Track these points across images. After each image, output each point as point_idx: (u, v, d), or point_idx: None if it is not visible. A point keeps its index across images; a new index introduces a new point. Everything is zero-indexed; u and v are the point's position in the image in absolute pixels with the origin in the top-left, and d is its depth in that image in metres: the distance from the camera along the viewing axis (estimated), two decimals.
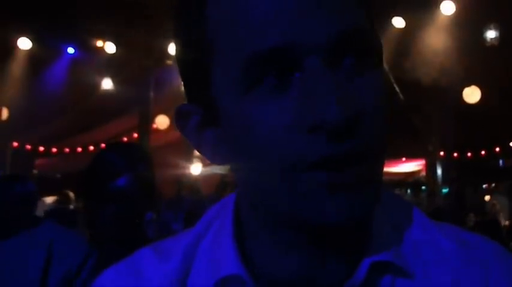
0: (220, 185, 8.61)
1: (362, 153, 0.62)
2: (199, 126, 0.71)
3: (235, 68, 0.63)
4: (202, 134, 0.71)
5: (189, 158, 13.04)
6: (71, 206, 8.38)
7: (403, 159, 15.04)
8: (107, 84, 11.68)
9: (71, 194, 8.51)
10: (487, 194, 10.66)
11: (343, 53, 0.62)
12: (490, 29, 9.35)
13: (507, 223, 7.36)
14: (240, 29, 0.63)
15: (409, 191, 11.50)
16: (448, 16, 9.39)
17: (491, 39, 9.38)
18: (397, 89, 10.65)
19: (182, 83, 0.74)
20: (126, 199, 1.88)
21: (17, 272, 1.24)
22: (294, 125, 0.61)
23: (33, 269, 1.26)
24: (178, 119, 0.73)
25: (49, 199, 8.57)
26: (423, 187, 12.16)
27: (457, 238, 0.76)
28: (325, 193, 0.62)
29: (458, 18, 9.26)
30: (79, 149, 13.23)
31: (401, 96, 11.05)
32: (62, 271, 1.30)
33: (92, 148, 12.75)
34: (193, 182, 10.19)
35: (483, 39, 9.40)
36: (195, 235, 0.78)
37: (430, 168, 12.90)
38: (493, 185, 13.45)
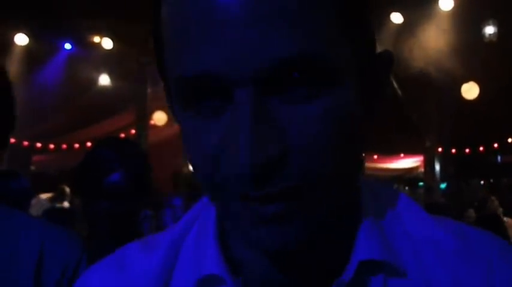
0: None
1: (284, 193, 0.58)
2: None
3: (173, 87, 0.61)
4: None
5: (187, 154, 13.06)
6: (66, 203, 8.38)
7: (401, 155, 15.08)
8: (104, 80, 11.68)
9: (67, 189, 8.50)
10: (485, 190, 10.66)
11: (281, 83, 0.56)
12: (489, 25, 9.35)
13: (506, 219, 7.35)
14: (175, 48, 0.59)
15: (407, 187, 11.50)
16: (446, 12, 9.40)
17: (490, 35, 9.38)
18: (395, 85, 10.66)
19: None
20: (119, 195, 1.86)
21: (8, 274, 1.22)
22: (218, 158, 0.58)
23: (24, 271, 1.24)
24: (169, 107, 0.72)
25: (44, 195, 8.56)
26: (421, 183, 12.19)
27: (457, 232, 0.73)
28: (254, 221, 0.59)
29: (456, 14, 9.26)
30: (76, 146, 13.22)
31: (399, 92, 11.05)
32: (56, 273, 1.28)
33: (89, 144, 12.71)
34: (191, 178, 10.18)
35: (481, 35, 9.40)
36: (180, 230, 0.77)
37: (428, 164, 12.93)
38: (491, 180, 13.49)
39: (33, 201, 6.22)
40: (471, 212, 7.44)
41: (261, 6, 0.54)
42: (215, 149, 0.58)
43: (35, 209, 5.64)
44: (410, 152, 14.60)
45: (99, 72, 11.59)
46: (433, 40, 9.59)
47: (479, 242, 0.73)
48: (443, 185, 12.01)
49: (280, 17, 0.54)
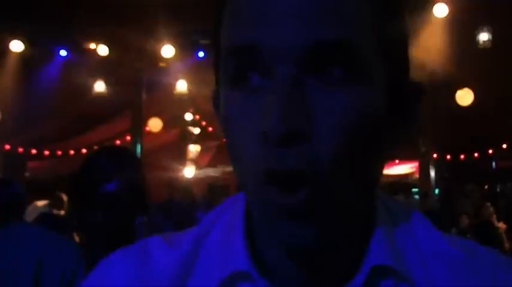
0: (210, 190, 8.63)
1: (301, 175, 0.60)
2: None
3: (222, 63, 0.66)
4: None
5: (182, 161, 13.05)
6: (62, 211, 8.35)
7: (396, 161, 15.08)
8: (99, 86, 11.66)
9: (64, 197, 8.48)
10: (480, 196, 10.68)
11: (319, 66, 0.61)
12: (483, 31, 9.38)
13: (500, 224, 7.38)
14: (231, 26, 0.65)
15: (401, 193, 11.52)
16: (441, 19, 9.42)
17: (484, 41, 9.40)
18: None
19: None
20: (115, 204, 1.86)
21: (7, 283, 1.22)
22: (253, 130, 0.61)
23: (24, 280, 1.24)
24: (212, 100, 0.76)
25: (40, 203, 8.52)
26: (416, 189, 12.20)
27: (464, 247, 0.76)
28: (277, 214, 0.62)
29: (451, 21, 9.29)
30: (72, 152, 13.20)
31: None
32: (54, 280, 1.29)
33: (84, 150, 12.72)
34: (186, 185, 10.18)
35: (476, 41, 9.43)
36: (203, 228, 0.78)
37: (423, 170, 12.93)
38: (486, 187, 13.51)
39: (30, 208, 6.20)
40: (465, 218, 7.46)
41: None
42: (252, 128, 0.61)
43: (31, 216, 5.61)
44: (405, 158, 14.60)
45: (95, 78, 11.57)
46: (428, 47, 9.61)
47: (485, 257, 0.75)
48: (438, 191, 12.03)
49: (325, 4, 0.61)
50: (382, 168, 0.70)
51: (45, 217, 4.97)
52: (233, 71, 0.64)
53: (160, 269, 0.75)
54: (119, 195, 1.87)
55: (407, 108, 0.72)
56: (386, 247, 0.71)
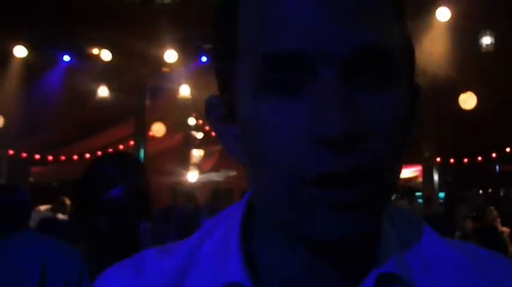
0: (213, 195, 8.60)
1: (363, 173, 0.61)
2: (224, 119, 0.73)
3: (252, 69, 0.64)
4: (225, 127, 0.73)
5: (186, 166, 13.06)
6: (65, 215, 8.36)
7: None
8: (102, 92, 11.68)
9: (67, 201, 8.50)
10: (482, 201, 10.66)
11: (361, 69, 0.62)
12: (486, 35, 9.38)
13: (504, 229, 7.35)
14: (263, 28, 0.63)
15: (405, 197, 11.49)
16: (443, 22, 9.41)
17: (487, 45, 9.40)
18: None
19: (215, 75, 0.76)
20: (120, 210, 1.86)
21: None
22: (300, 134, 0.61)
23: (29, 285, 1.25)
24: (206, 109, 0.75)
25: (43, 207, 8.55)
26: (419, 193, 12.17)
27: (468, 252, 0.76)
28: (322, 209, 0.61)
29: (453, 25, 9.28)
30: (75, 157, 13.21)
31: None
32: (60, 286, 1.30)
33: (88, 155, 12.74)
34: (189, 190, 10.18)
35: (479, 45, 9.42)
36: (198, 238, 0.79)
37: (427, 174, 12.90)
38: (490, 190, 13.49)
39: (33, 212, 6.20)
40: (469, 223, 7.43)
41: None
42: (296, 130, 0.61)
43: (35, 221, 5.62)
44: (408, 162, 14.57)
45: (98, 84, 11.59)
46: (431, 50, 9.61)
47: (489, 261, 0.75)
48: (441, 195, 12.00)
49: (364, 7, 0.62)
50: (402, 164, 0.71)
51: (46, 222, 4.97)
52: (268, 77, 0.63)
53: (154, 279, 0.75)
54: (123, 201, 1.87)
55: (414, 109, 0.74)
56: (393, 254, 0.71)
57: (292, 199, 0.63)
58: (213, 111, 0.74)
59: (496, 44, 9.38)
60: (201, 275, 0.74)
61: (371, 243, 0.71)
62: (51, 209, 8.53)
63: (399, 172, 0.68)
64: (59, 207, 8.54)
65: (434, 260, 0.74)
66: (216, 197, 8.58)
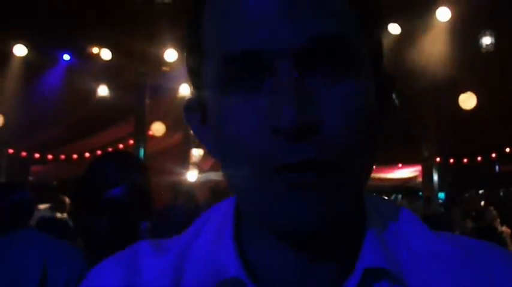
0: (211, 194, 8.60)
1: (322, 162, 0.62)
2: (202, 121, 0.74)
3: (215, 68, 0.66)
4: (203, 128, 0.74)
5: (185, 165, 13.05)
6: (65, 214, 8.36)
7: (399, 165, 15.06)
8: (102, 91, 11.68)
9: (66, 200, 8.50)
10: (484, 200, 10.67)
11: (316, 60, 0.63)
12: (486, 35, 9.38)
13: (504, 228, 7.35)
14: (221, 29, 0.66)
15: (405, 197, 11.49)
16: (443, 22, 9.42)
17: (487, 45, 9.41)
18: (393, 95, 10.66)
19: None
20: (121, 209, 1.86)
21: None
22: (259, 127, 0.63)
23: (29, 283, 1.25)
24: (185, 112, 0.77)
25: (43, 206, 8.55)
26: (419, 193, 12.18)
27: (457, 243, 0.76)
28: (286, 193, 0.63)
29: (454, 25, 9.29)
30: (75, 156, 13.21)
31: (396, 102, 11.05)
32: (60, 285, 1.29)
33: (87, 154, 12.74)
34: (189, 189, 10.17)
35: (479, 45, 9.43)
36: (190, 235, 0.79)
37: (426, 174, 12.91)
38: (489, 190, 13.48)
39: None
40: (468, 223, 7.44)
41: None
42: (256, 123, 0.63)
43: (34, 220, 5.62)
44: (408, 162, 14.59)
45: (98, 83, 11.59)
46: (431, 51, 9.61)
47: (478, 250, 0.75)
48: (441, 195, 12.00)
49: (318, 2, 0.64)
50: (374, 161, 0.72)
51: (44, 221, 4.96)
52: (230, 74, 0.65)
53: (149, 279, 0.75)
54: (124, 200, 1.87)
55: (386, 99, 0.75)
56: (379, 248, 0.71)
57: (258, 191, 0.65)
58: (191, 114, 0.76)
59: (496, 44, 9.38)
60: (196, 274, 0.74)
61: (353, 236, 0.72)
62: (50, 208, 8.53)
63: (368, 163, 0.69)
64: (58, 206, 8.54)
65: (423, 253, 0.73)
66: (215, 196, 8.58)
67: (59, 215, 8.41)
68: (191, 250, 0.77)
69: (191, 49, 0.73)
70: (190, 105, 0.76)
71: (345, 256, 0.71)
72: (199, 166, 13.61)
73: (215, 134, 0.69)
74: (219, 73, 0.66)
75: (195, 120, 0.75)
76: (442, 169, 12.77)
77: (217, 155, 0.72)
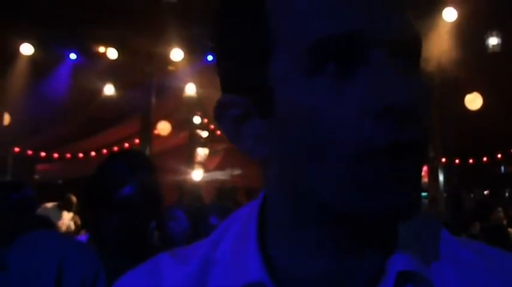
0: (218, 193, 8.59)
1: (419, 144, 0.64)
2: (240, 118, 0.72)
3: (299, 55, 0.65)
4: (243, 126, 0.72)
5: (191, 164, 13.05)
6: (71, 213, 8.38)
7: None
8: (108, 90, 11.69)
9: (73, 198, 8.52)
10: (490, 201, 10.64)
11: (403, 49, 0.65)
12: (492, 36, 9.36)
13: (511, 229, 7.33)
14: (308, 14, 0.65)
15: None
16: (450, 23, 9.40)
17: (493, 46, 9.38)
18: None
19: (223, 75, 0.75)
20: (131, 208, 1.87)
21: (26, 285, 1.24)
22: (360, 112, 0.62)
23: (46, 284, 1.26)
24: (217, 110, 0.73)
25: (50, 204, 8.57)
26: (425, 193, 12.15)
27: (480, 252, 0.77)
28: (384, 183, 0.63)
29: (460, 25, 9.26)
30: (80, 155, 13.22)
31: None
32: (75, 285, 1.30)
33: (93, 153, 12.76)
34: (194, 188, 10.19)
35: (485, 46, 9.41)
36: (212, 242, 0.78)
37: (432, 174, 12.88)
38: (495, 191, 13.44)
39: (39, 210, 6.23)
40: (476, 224, 7.41)
41: None
42: (356, 108, 0.63)
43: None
44: None
45: (104, 82, 11.60)
46: (437, 51, 9.59)
47: (500, 260, 0.76)
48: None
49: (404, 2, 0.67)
50: None
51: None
52: (319, 61, 0.64)
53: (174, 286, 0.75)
54: (134, 199, 1.88)
55: None
56: (411, 250, 0.71)
57: (353, 179, 0.63)
58: (226, 111, 0.73)
59: (502, 44, 9.36)
60: (221, 278, 0.74)
61: (392, 236, 0.72)
62: (58, 206, 8.55)
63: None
64: (65, 204, 8.57)
65: (445, 257, 0.74)
66: (220, 195, 8.59)
67: (65, 213, 8.45)
68: (216, 253, 0.77)
69: (245, 47, 0.70)
70: (225, 102, 0.73)
71: (380, 257, 0.71)
72: (205, 165, 13.62)
73: (284, 130, 0.67)
74: (307, 60, 0.64)
75: (231, 119, 0.72)
76: (448, 169, 12.75)
77: (271, 151, 0.70)
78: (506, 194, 13.94)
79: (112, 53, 10.69)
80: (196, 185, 11.82)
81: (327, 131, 0.63)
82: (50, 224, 4.22)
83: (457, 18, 9.22)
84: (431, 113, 0.67)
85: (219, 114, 0.73)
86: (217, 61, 0.76)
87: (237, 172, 12.59)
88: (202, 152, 13.82)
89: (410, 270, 0.70)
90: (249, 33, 0.69)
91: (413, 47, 0.67)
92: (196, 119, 13.54)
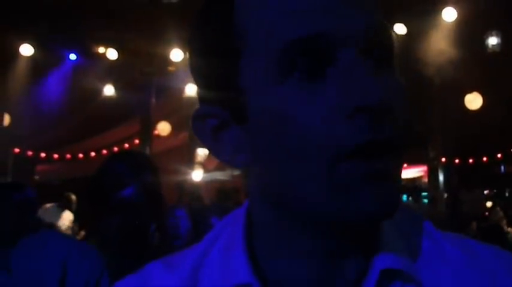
0: (221, 194, 8.58)
1: (394, 143, 0.63)
2: (217, 128, 0.71)
3: (269, 59, 0.64)
4: (221, 136, 0.71)
5: (190, 165, 13.04)
6: (71, 213, 8.38)
7: (405, 165, 15.01)
8: (108, 90, 11.69)
9: (73, 198, 8.52)
10: (489, 200, 10.65)
11: (373, 48, 0.65)
12: (492, 35, 9.36)
13: (510, 229, 7.34)
14: (276, 18, 0.65)
15: (410, 197, 11.48)
16: (449, 23, 9.40)
17: (493, 45, 9.39)
18: None
19: (198, 86, 0.74)
20: (133, 208, 1.87)
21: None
22: (331, 113, 0.62)
23: (50, 284, 1.26)
24: (194, 122, 0.73)
25: (49, 204, 8.58)
26: (424, 193, 12.16)
27: (464, 247, 0.76)
28: (362, 182, 0.63)
29: (460, 25, 9.27)
30: (80, 156, 13.22)
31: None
32: (79, 285, 1.31)
33: (93, 154, 12.75)
34: (194, 188, 10.18)
35: (485, 45, 9.41)
36: (202, 250, 0.79)
37: (432, 174, 12.89)
38: (494, 191, 13.45)
39: (39, 211, 6.22)
40: (473, 224, 7.42)
41: None
42: (327, 109, 0.62)
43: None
44: (413, 162, 14.56)
45: (104, 82, 11.60)
46: (437, 51, 9.59)
47: (485, 255, 0.76)
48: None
49: None
50: None
51: None
52: (289, 63, 0.63)
53: None
54: (135, 200, 1.88)
55: None
56: (395, 248, 0.72)
57: (329, 180, 0.63)
58: (204, 123, 0.72)
59: (502, 44, 9.36)
60: (210, 281, 0.75)
61: (375, 236, 0.72)
62: (58, 206, 8.56)
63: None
64: (65, 204, 8.57)
65: (433, 255, 0.74)
66: (220, 195, 8.58)
67: (66, 213, 8.46)
68: (205, 261, 0.77)
69: (217, 49, 0.70)
70: (202, 112, 0.72)
71: (365, 255, 0.71)
72: (205, 166, 13.61)
73: (260, 133, 0.67)
74: (275, 64, 0.64)
75: (208, 129, 0.72)
76: (448, 169, 12.75)
77: (249, 158, 0.70)
78: (506, 194, 13.94)
79: (112, 54, 10.69)
80: (196, 186, 11.81)
81: (300, 133, 0.63)
82: (49, 225, 4.23)
83: (457, 18, 9.23)
84: (409, 112, 0.66)
85: (196, 127, 0.73)
86: (191, 70, 0.75)
87: (237, 172, 12.55)
88: (202, 153, 13.81)
89: (395, 268, 0.70)
90: (219, 40, 0.70)
91: (384, 46, 0.66)
92: None
